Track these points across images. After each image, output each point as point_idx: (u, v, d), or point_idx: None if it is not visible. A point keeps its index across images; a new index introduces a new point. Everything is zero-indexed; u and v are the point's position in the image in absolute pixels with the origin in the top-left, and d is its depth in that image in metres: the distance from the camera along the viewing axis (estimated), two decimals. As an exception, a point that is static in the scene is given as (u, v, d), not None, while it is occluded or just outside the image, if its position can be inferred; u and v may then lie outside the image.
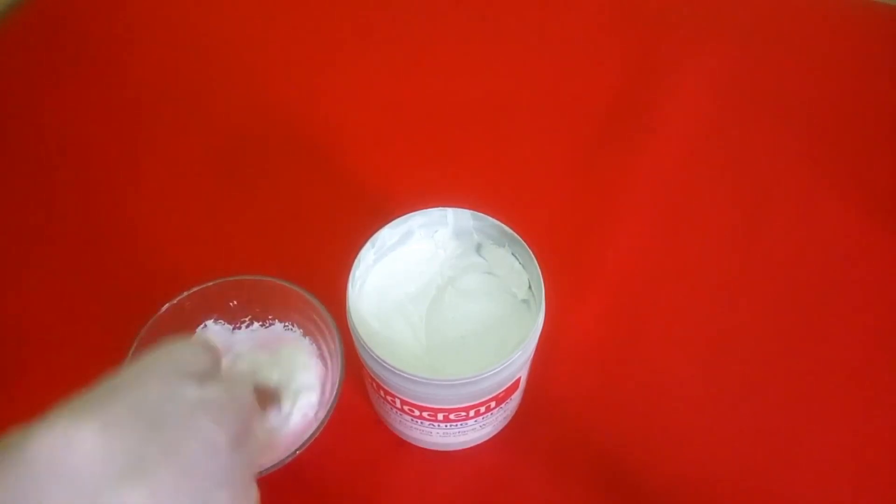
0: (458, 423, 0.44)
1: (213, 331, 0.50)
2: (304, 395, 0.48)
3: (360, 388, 0.50)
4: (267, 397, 0.47)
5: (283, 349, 0.50)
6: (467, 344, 0.44)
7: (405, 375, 0.40)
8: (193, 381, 0.32)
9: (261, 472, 0.42)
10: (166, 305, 0.48)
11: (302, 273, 0.50)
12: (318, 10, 0.78)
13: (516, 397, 0.47)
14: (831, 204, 0.62)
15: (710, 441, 0.50)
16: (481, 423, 0.45)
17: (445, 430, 0.45)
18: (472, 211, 0.45)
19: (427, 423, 0.44)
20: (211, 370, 0.35)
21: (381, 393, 0.44)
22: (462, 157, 0.66)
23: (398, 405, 0.43)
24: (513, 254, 0.46)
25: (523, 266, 0.45)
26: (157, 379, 0.32)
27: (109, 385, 0.31)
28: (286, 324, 0.51)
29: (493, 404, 0.43)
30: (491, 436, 0.49)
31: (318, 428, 0.43)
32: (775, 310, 0.56)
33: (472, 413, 0.43)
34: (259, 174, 0.65)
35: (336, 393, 0.45)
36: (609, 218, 0.61)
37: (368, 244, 0.44)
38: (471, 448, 0.49)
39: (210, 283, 0.49)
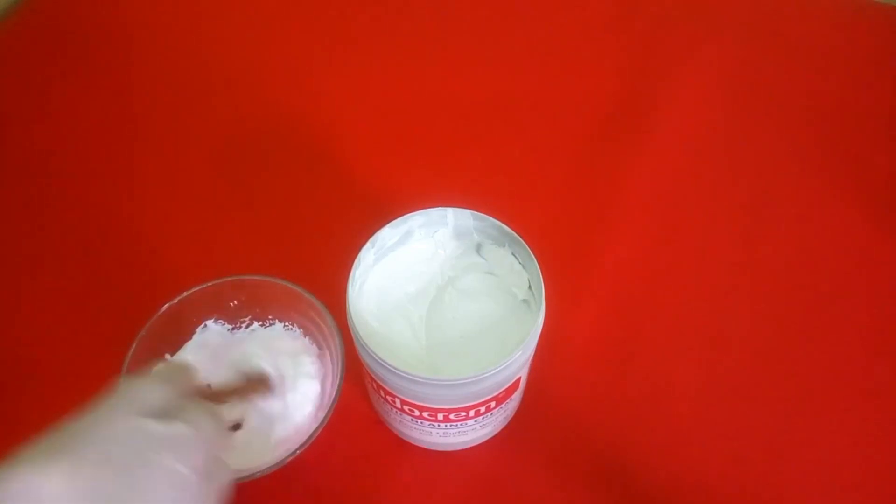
0: (458, 423, 0.44)
1: (214, 331, 0.51)
2: (305, 383, 0.48)
3: (360, 388, 0.50)
4: (258, 384, 0.47)
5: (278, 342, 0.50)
6: (467, 344, 0.44)
7: (405, 375, 0.40)
8: (156, 419, 0.33)
9: (261, 473, 0.42)
10: (166, 305, 0.48)
11: (302, 273, 0.50)
12: (318, 12, 0.78)
13: (516, 397, 0.47)
14: (831, 204, 0.62)
15: (710, 441, 0.50)
16: (481, 423, 0.45)
17: (445, 430, 0.45)
18: (472, 211, 0.45)
19: (427, 423, 0.44)
20: (173, 404, 0.35)
21: (381, 393, 0.44)
22: (462, 157, 0.66)
23: (398, 405, 0.43)
24: (513, 254, 0.46)
25: (523, 266, 0.45)
26: (121, 419, 0.32)
27: (74, 426, 0.31)
28: (286, 324, 0.51)
29: (493, 404, 0.43)
30: (491, 436, 0.49)
31: (319, 428, 0.43)
32: (775, 309, 0.56)
33: (472, 413, 0.43)
34: (259, 174, 0.65)
35: (336, 393, 0.45)
36: (609, 218, 0.61)
37: (368, 244, 0.44)
38: (471, 448, 0.49)
39: (210, 283, 0.49)
